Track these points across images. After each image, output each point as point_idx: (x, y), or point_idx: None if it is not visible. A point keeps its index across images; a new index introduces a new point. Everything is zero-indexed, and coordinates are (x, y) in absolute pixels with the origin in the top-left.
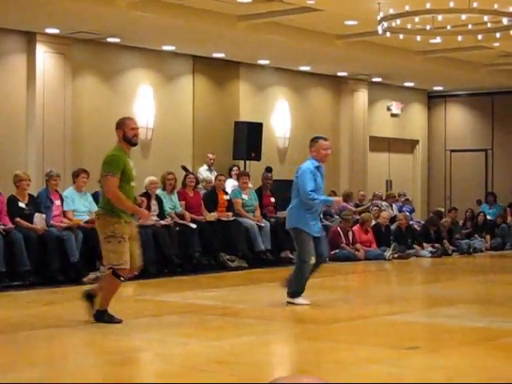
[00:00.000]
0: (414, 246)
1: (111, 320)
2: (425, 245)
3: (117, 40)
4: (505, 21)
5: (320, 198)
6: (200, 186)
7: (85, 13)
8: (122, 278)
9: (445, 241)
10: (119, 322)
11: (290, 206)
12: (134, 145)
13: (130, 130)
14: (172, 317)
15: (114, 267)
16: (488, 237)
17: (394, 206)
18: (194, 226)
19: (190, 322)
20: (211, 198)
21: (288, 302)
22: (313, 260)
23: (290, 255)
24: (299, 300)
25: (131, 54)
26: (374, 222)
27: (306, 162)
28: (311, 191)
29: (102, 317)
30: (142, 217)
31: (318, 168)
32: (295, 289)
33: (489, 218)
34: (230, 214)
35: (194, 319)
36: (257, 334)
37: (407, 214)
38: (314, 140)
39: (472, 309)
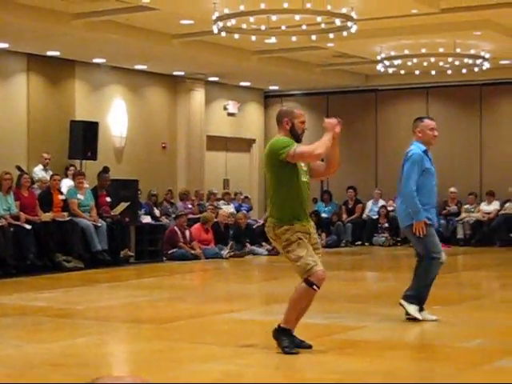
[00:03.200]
0: (246, 244)
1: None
2: (263, 243)
3: None
4: (338, 22)
5: (418, 208)
6: (35, 185)
7: None
8: (315, 287)
9: None
10: (296, 352)
11: (400, 200)
12: (299, 141)
13: (300, 124)
14: (5, 319)
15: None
16: (324, 234)
17: (231, 204)
18: (28, 226)
19: (23, 324)
20: (46, 198)
21: (407, 315)
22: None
23: (130, 253)
24: (414, 311)
25: None
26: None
27: (413, 145)
28: (414, 190)
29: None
30: None
31: (426, 152)
32: (416, 292)
33: (324, 215)
34: (66, 214)
35: (28, 321)
36: (92, 334)
37: (245, 212)
38: (419, 120)
39: None
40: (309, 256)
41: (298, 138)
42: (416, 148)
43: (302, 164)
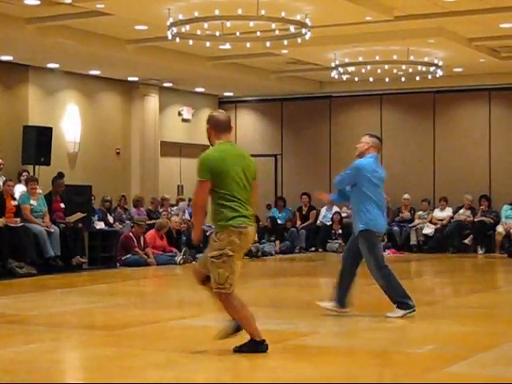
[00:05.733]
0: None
1: None
2: None
3: None
4: (292, 28)
5: None
6: None
7: None
8: None
9: None
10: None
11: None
12: None
13: None
14: None
15: None
16: (278, 241)
17: (186, 210)
18: None
19: None
20: None
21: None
22: None
23: (82, 260)
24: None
25: None
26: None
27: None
28: None
29: None
30: None
31: None
32: None
33: (278, 222)
34: (18, 219)
35: None
36: (45, 341)
37: None
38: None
39: (262, 312)
40: None
41: None
42: None
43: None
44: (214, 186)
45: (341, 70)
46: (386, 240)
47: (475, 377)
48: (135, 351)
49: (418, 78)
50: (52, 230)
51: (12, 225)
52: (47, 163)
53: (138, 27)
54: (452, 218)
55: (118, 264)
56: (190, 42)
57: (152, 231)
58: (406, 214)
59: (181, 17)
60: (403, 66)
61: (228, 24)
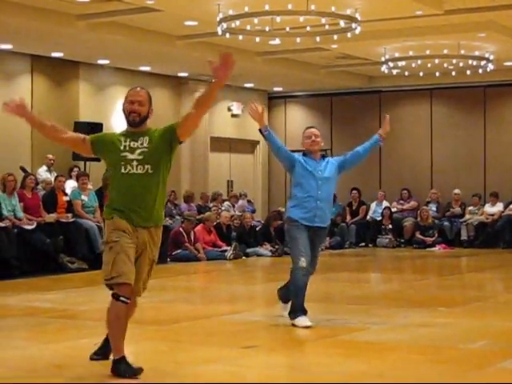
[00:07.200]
0: (263, 245)
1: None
2: (265, 244)
3: None
4: (342, 23)
5: None
6: (39, 186)
7: None
8: (122, 299)
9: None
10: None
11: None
12: (131, 125)
13: (127, 104)
14: (9, 320)
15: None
16: (327, 236)
17: (235, 206)
18: (30, 227)
19: (27, 325)
20: (50, 199)
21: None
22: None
23: None
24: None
25: None
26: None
27: None
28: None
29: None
30: None
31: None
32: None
33: None
34: (70, 215)
35: (32, 322)
36: (96, 335)
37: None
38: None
39: (311, 307)
40: (115, 265)
41: (127, 121)
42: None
43: (128, 154)
44: (168, 166)
45: (391, 64)
46: (436, 235)
47: None
48: (186, 346)
49: (468, 73)
50: (103, 226)
51: (63, 220)
52: (98, 159)
53: (187, 23)
54: (503, 212)
55: (168, 259)
56: (240, 37)
57: (199, 226)
58: (457, 209)
59: (231, 12)
60: (454, 61)
61: (278, 19)
